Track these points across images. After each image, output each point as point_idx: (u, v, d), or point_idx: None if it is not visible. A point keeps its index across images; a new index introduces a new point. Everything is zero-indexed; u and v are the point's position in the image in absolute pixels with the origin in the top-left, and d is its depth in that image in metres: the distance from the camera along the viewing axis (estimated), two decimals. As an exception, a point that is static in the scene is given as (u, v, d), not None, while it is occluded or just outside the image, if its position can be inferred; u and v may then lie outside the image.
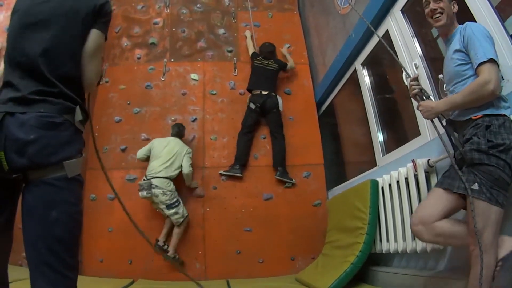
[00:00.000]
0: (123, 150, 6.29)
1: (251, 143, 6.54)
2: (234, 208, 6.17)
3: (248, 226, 6.06)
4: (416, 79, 2.98)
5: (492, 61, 2.41)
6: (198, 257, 5.86)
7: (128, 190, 5.89)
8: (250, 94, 6.63)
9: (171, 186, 5.63)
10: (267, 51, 6.96)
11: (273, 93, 6.56)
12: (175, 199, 5.60)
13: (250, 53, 7.04)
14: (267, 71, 6.74)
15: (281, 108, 6.55)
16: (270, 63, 6.80)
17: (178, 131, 6.09)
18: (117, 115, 6.57)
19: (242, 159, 6.39)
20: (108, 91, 6.70)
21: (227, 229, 6.03)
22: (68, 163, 1.80)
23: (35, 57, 1.85)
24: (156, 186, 5.49)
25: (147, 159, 5.88)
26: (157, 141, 5.93)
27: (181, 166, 5.78)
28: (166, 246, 5.69)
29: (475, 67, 2.48)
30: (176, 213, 5.56)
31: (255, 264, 5.87)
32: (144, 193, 5.52)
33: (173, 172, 5.69)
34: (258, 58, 6.83)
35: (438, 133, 2.77)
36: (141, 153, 5.93)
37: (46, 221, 1.73)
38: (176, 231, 5.65)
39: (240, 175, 6.32)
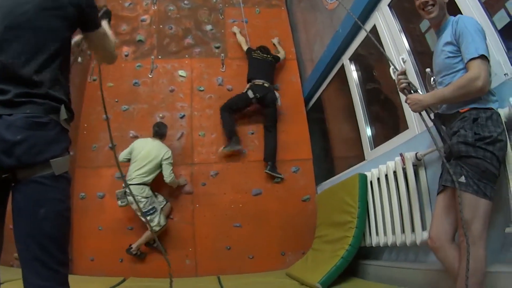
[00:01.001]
0: (111, 148, 6.24)
1: (235, 120, 6.60)
2: (224, 204, 6.18)
3: (237, 222, 6.09)
4: (403, 73, 2.99)
5: (483, 57, 2.42)
6: (188, 254, 5.88)
7: (118, 187, 5.86)
8: (250, 83, 6.61)
9: (146, 192, 5.54)
10: (263, 47, 7.03)
11: (273, 88, 6.63)
12: (150, 207, 5.49)
13: (245, 48, 7.06)
14: (266, 63, 6.82)
15: (279, 103, 6.60)
16: (268, 56, 6.88)
17: (158, 131, 5.98)
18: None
19: (234, 132, 6.45)
20: (96, 89, 6.65)
21: (217, 225, 6.05)
22: (55, 161, 1.82)
23: (21, 60, 1.85)
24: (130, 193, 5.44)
25: (129, 161, 5.79)
26: (137, 143, 5.86)
27: (158, 171, 5.72)
28: (155, 244, 5.69)
29: (465, 62, 2.49)
30: (151, 220, 5.45)
31: (245, 260, 5.89)
32: (119, 202, 5.50)
33: (147, 178, 5.60)
34: (257, 52, 6.88)
35: (427, 126, 2.79)
36: (122, 156, 5.80)
37: (36, 219, 1.75)
38: (147, 233, 5.56)
39: (240, 147, 6.41)
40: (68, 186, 1.95)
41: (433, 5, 2.74)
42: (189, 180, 6.27)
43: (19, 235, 1.77)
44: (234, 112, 6.59)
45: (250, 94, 6.44)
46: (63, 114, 1.92)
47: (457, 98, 2.54)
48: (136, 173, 5.54)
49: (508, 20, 2.96)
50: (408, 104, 2.82)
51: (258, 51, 6.90)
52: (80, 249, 5.70)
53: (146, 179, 5.58)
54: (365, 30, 3.61)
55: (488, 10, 3.00)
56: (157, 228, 5.49)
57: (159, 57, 7.13)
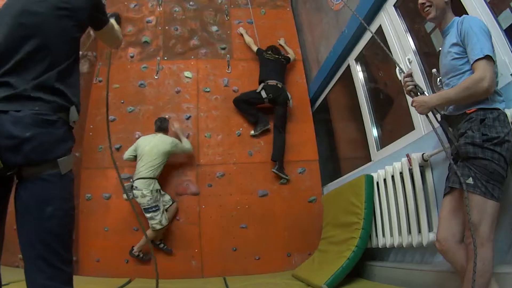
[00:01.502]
0: (117, 149, 6.25)
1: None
2: (230, 205, 6.17)
3: (243, 223, 6.08)
4: (410, 75, 2.98)
5: (488, 57, 2.40)
6: (194, 255, 5.87)
7: (123, 188, 5.89)
8: (263, 83, 6.60)
9: (152, 185, 5.56)
10: (274, 48, 7.06)
11: (285, 88, 6.64)
12: (154, 204, 5.50)
13: (255, 49, 7.08)
14: (278, 64, 6.84)
15: (291, 105, 6.63)
16: (279, 57, 6.90)
17: (160, 125, 6.03)
18: (111, 114, 6.52)
19: (257, 115, 6.60)
20: (102, 90, 6.67)
21: (223, 226, 6.04)
22: (62, 160, 1.84)
23: (31, 55, 1.86)
24: (136, 187, 5.46)
25: (135, 158, 5.84)
26: (141, 140, 5.90)
27: (165, 163, 5.79)
28: (162, 244, 5.71)
29: (471, 63, 2.47)
30: (152, 218, 5.46)
31: (251, 261, 5.88)
32: (125, 195, 5.51)
33: (155, 171, 5.64)
34: (269, 52, 6.90)
35: (433, 126, 2.78)
36: (127, 154, 5.88)
37: (42, 217, 1.77)
38: (148, 232, 5.52)
39: (268, 126, 6.57)
40: (72, 185, 1.98)
41: (430, 6, 2.77)
42: (195, 181, 6.27)
43: (23, 233, 1.79)
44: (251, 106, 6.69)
45: (263, 94, 6.46)
46: (74, 115, 1.95)
47: (463, 99, 2.52)
48: (144, 168, 5.57)
49: (513, 19, 2.95)
50: (414, 106, 2.80)
51: (270, 52, 6.90)
52: (86, 250, 5.70)
53: (154, 172, 5.62)
54: (371, 31, 3.60)
55: (494, 10, 2.99)
56: (158, 227, 5.49)
57: (165, 58, 7.13)
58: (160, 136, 5.87)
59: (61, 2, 1.98)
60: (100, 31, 2.31)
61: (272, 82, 6.53)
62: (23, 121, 1.74)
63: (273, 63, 6.79)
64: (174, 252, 5.80)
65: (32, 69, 1.84)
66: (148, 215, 5.46)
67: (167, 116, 6.51)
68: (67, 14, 1.99)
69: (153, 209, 5.48)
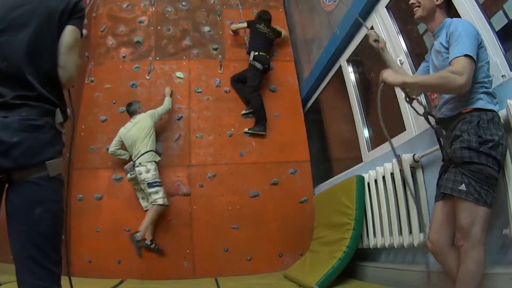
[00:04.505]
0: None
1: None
2: (221, 206, 6.17)
3: (235, 223, 6.07)
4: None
5: (468, 56, 2.37)
6: (186, 255, 5.86)
7: (115, 189, 5.89)
8: (252, 54, 6.75)
9: (154, 156, 5.79)
10: (267, 18, 7.15)
11: (267, 56, 6.85)
12: (157, 179, 5.62)
13: (245, 24, 7.16)
14: (268, 39, 6.99)
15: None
16: (270, 32, 7.03)
17: (129, 109, 6.17)
18: (102, 114, 6.54)
19: (264, 118, 6.62)
20: (93, 90, 6.67)
21: (215, 227, 6.04)
22: (50, 163, 1.85)
23: (16, 62, 1.86)
24: (140, 163, 5.59)
25: (119, 148, 5.96)
26: (122, 131, 5.96)
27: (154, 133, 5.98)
28: (153, 245, 5.70)
29: (449, 61, 2.46)
30: (157, 192, 5.56)
31: (243, 261, 5.88)
32: (128, 175, 5.57)
33: (152, 142, 5.84)
34: (261, 25, 6.98)
35: (391, 145, 2.77)
36: (112, 146, 5.97)
37: (31, 219, 1.78)
38: (148, 213, 5.57)
39: (264, 133, 6.59)
40: (62, 188, 1.98)
41: (418, 6, 2.79)
42: (186, 182, 6.26)
43: (14, 235, 1.80)
44: (259, 90, 6.79)
45: (259, 66, 6.64)
46: (59, 117, 1.96)
47: (434, 87, 2.62)
48: (142, 145, 5.74)
49: (506, 21, 2.95)
50: (382, 76, 2.95)
51: (262, 25, 6.98)
52: (77, 250, 5.67)
53: (151, 144, 5.83)
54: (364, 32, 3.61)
55: (486, 12, 3.00)
56: (161, 201, 5.59)
57: (157, 58, 7.12)
58: (136, 118, 6.00)
59: (39, 4, 1.98)
60: (67, 28, 2.18)
61: (262, 53, 6.78)
62: (11, 126, 1.76)
63: (263, 35, 6.93)
64: (166, 252, 5.78)
65: (19, 76, 1.85)
66: (153, 189, 5.57)
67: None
68: (47, 14, 1.97)
69: (158, 183, 5.62)
